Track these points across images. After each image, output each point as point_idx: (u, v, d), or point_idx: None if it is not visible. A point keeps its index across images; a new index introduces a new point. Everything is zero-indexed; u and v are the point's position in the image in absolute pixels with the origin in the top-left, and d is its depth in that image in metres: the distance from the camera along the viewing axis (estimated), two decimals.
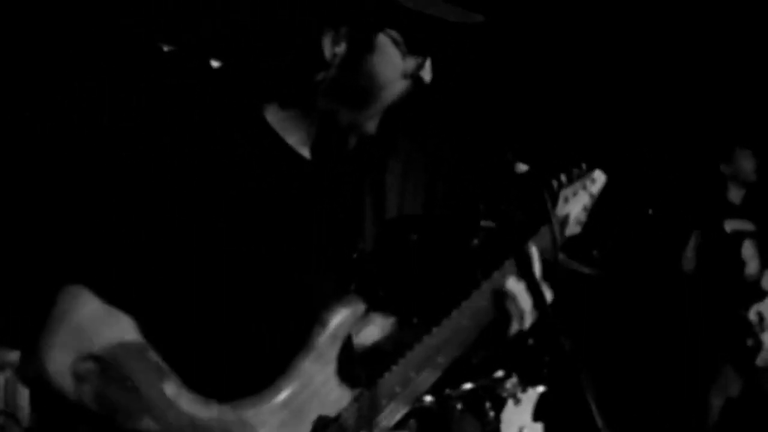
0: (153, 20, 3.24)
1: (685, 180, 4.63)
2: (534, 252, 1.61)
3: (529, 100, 4.47)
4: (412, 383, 1.50)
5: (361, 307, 1.49)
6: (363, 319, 1.60)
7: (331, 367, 1.44)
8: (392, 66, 1.45)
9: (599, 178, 1.88)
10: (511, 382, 2.80)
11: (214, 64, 2.98)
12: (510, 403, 2.81)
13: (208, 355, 1.40)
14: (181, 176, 1.36)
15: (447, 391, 2.72)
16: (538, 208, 1.87)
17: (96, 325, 1.30)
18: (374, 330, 1.71)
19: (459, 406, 2.73)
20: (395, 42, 1.45)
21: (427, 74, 1.51)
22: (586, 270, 3.07)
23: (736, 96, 4.64)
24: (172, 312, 1.36)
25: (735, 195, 4.29)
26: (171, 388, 1.30)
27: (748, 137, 4.29)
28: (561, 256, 3.03)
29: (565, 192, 1.80)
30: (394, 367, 1.50)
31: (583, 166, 1.87)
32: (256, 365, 1.41)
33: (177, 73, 3.00)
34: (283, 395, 1.38)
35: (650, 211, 3.64)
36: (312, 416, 1.40)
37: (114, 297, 1.31)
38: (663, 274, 4.24)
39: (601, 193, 1.95)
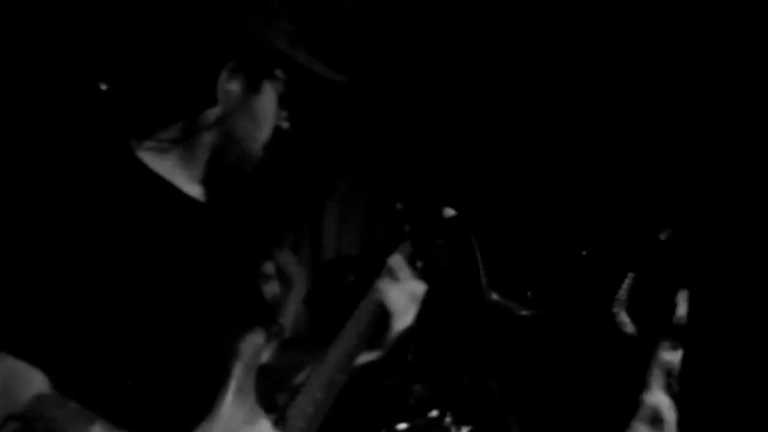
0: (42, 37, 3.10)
1: (623, 222, 4.71)
2: (399, 260, 1.69)
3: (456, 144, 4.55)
4: (321, 402, 1.56)
5: (269, 334, 1.54)
6: (272, 346, 1.66)
7: (251, 397, 1.47)
8: (270, 111, 1.55)
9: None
10: (446, 422, 2.84)
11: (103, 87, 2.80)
12: None
13: (131, 401, 1.41)
14: (67, 229, 1.37)
15: (382, 429, 2.75)
16: (466, 252, 1.92)
17: (13, 384, 1.32)
18: (283, 355, 1.75)
19: None
20: (277, 90, 1.55)
21: (284, 123, 1.60)
22: (520, 310, 3.12)
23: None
24: (86, 363, 1.38)
25: None
26: (100, 430, 1.32)
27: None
28: (495, 296, 3.09)
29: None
30: (303, 389, 1.56)
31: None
32: (180, 403, 1.44)
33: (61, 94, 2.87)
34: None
35: (584, 253, 3.72)
36: None
37: (25, 352, 1.33)
38: (596, 316, 4.32)
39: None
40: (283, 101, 1.57)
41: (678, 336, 4.15)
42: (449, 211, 1.90)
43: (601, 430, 4.38)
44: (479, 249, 1.97)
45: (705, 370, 4.22)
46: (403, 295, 1.65)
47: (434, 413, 2.86)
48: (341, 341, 1.61)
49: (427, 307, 1.79)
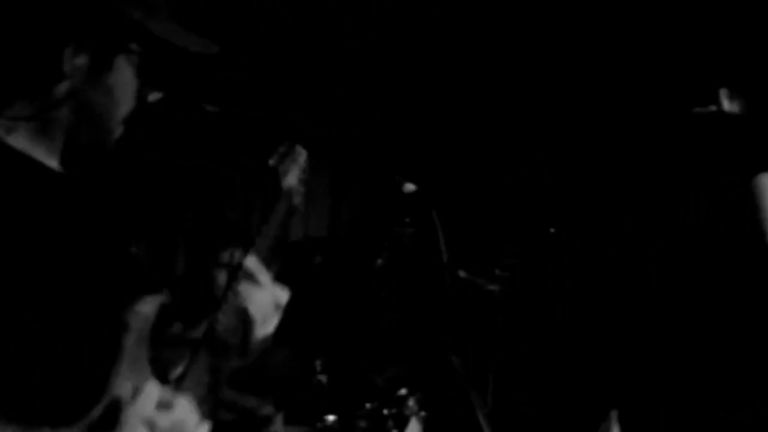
0: None
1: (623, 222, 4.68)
2: (255, 262, 1.64)
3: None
4: (218, 371, 1.56)
5: (157, 302, 1.51)
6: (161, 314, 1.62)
7: (147, 368, 1.47)
8: (127, 85, 1.50)
9: (302, 150, 1.93)
10: (415, 400, 2.85)
11: None
12: (413, 421, 2.85)
13: (25, 386, 1.37)
14: None
15: (350, 410, 2.76)
16: (427, 226, 1.94)
17: None
18: (172, 324, 1.73)
19: (362, 424, 2.77)
20: (134, 64, 1.50)
21: (153, 96, 1.57)
22: (488, 286, 3.13)
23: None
24: None
25: None
26: None
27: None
28: (462, 273, 3.10)
29: (281, 168, 1.86)
30: (194, 357, 1.55)
31: (286, 143, 1.92)
32: (73, 384, 1.41)
33: None
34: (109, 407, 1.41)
35: (551, 230, 3.72)
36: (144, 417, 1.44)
37: None
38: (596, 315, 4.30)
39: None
40: (144, 75, 1.50)
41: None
42: (410, 186, 1.92)
43: (565, 412, 4.35)
44: (440, 225, 1.99)
45: (704, 371, 4.18)
46: (266, 302, 1.60)
47: (403, 392, 2.87)
48: (228, 314, 1.58)
49: (394, 286, 1.79)
